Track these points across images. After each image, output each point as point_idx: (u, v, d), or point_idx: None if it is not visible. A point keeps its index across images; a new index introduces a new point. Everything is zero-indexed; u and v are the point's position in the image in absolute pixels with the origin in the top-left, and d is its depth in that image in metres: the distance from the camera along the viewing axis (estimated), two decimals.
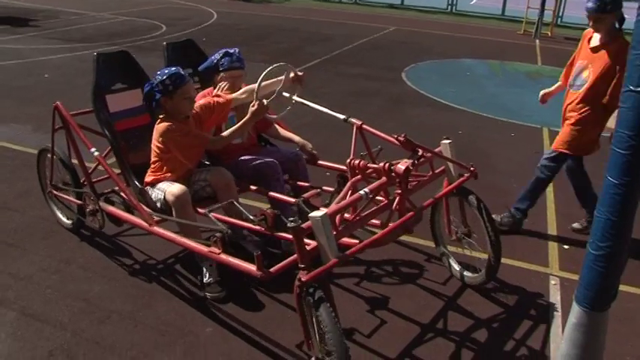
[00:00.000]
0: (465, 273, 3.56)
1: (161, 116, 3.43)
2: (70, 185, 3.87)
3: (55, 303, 3.20)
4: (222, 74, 3.76)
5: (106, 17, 14.37)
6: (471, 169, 3.29)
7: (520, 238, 4.16)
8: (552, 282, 3.60)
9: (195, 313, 3.16)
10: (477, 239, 3.41)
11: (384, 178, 2.95)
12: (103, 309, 3.15)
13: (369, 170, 3.10)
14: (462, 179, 3.27)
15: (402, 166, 2.89)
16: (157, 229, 3.30)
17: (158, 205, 3.42)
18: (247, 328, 3.06)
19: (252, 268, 2.68)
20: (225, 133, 3.52)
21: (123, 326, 3.03)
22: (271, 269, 2.66)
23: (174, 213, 3.31)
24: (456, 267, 3.61)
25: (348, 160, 3.19)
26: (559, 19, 16.91)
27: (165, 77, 3.32)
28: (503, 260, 3.36)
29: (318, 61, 10.12)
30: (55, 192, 4.02)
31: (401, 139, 3.03)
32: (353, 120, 3.44)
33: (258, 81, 3.48)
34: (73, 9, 15.60)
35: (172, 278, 3.48)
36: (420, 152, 3.05)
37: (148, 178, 3.54)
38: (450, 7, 19.37)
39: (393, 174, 2.92)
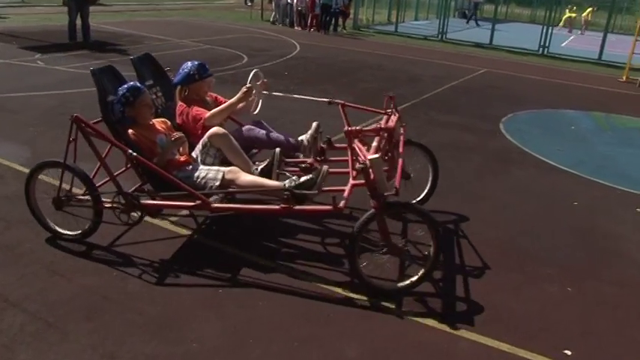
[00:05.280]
0: None
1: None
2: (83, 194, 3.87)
3: None
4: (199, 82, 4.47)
5: (188, 44, 14.23)
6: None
7: None
8: None
9: None
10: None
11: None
12: None
13: (366, 132, 4.15)
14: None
15: (391, 124, 4.14)
16: (216, 205, 3.70)
17: (211, 188, 3.76)
18: None
19: (328, 207, 3.52)
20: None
21: None
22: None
23: (239, 183, 3.76)
24: None
25: (346, 129, 4.09)
26: None
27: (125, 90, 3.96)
28: None
29: (407, 105, 9.27)
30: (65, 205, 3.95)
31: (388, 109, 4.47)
32: (337, 100, 4.61)
33: (251, 75, 4.52)
34: (156, 34, 15.63)
35: None
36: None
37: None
38: (541, 48, 18.32)
39: (385, 132, 4.09)
